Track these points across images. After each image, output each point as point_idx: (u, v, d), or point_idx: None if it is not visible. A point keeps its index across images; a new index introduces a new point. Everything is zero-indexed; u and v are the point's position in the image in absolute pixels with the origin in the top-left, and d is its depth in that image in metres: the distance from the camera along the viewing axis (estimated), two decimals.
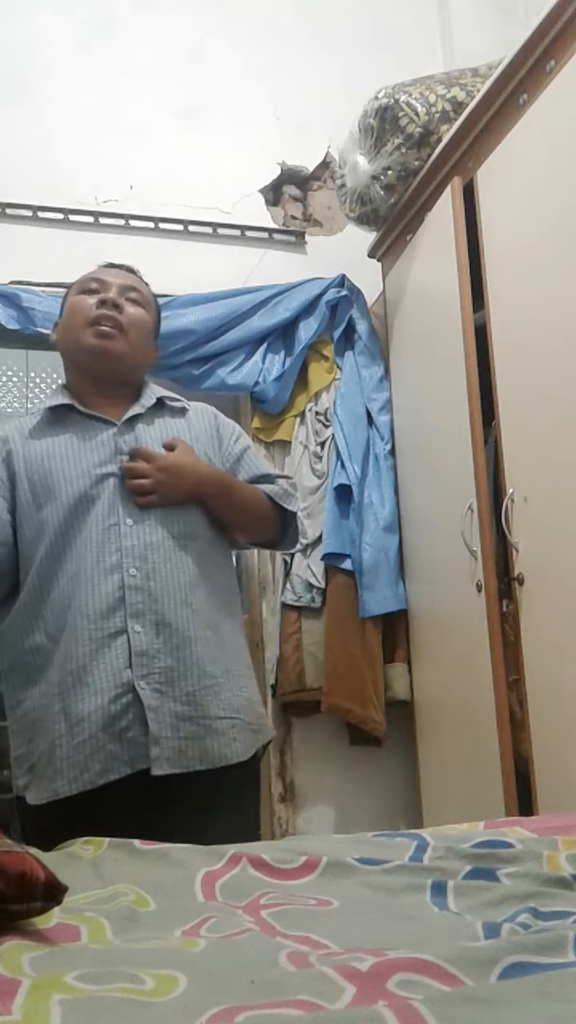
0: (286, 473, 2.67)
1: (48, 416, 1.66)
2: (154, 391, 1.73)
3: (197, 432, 1.70)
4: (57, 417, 1.66)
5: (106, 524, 1.56)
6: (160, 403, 1.71)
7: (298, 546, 2.60)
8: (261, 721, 1.64)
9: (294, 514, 1.76)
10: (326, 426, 2.76)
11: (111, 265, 1.77)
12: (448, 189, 2.31)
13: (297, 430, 2.79)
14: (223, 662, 1.58)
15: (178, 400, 1.76)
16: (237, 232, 2.93)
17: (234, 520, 1.69)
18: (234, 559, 1.81)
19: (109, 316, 1.62)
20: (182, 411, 1.73)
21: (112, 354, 1.63)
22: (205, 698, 1.53)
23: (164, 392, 1.74)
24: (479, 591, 2.10)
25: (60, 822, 1.41)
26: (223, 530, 1.69)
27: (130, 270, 1.76)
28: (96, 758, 1.46)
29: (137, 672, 1.49)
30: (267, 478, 1.74)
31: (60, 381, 1.77)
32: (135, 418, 1.65)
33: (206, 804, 1.49)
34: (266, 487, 1.70)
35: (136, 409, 1.66)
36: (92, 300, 1.64)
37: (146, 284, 1.76)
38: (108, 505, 1.57)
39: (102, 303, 1.62)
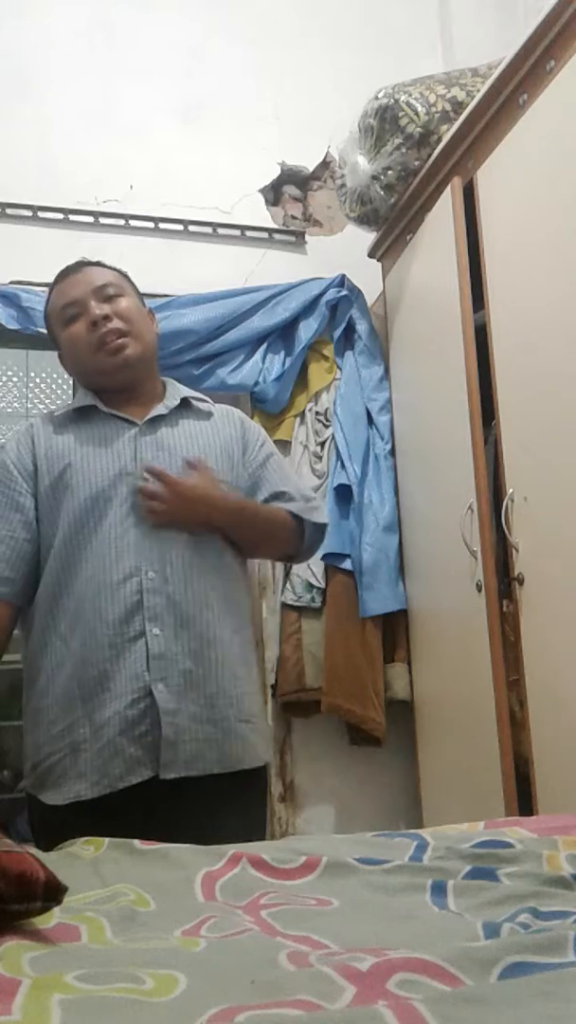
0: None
1: (72, 415, 1.66)
2: (178, 391, 1.71)
3: (223, 436, 1.68)
4: (81, 415, 1.65)
5: (124, 526, 1.54)
6: (185, 403, 1.69)
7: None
8: (268, 733, 1.65)
9: (322, 526, 1.73)
10: (326, 426, 2.76)
11: (64, 274, 1.70)
12: (448, 189, 2.31)
13: (297, 430, 2.79)
14: (243, 667, 1.59)
15: (204, 401, 1.74)
16: (237, 232, 2.93)
17: (248, 545, 1.68)
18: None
19: (109, 331, 1.60)
20: (208, 414, 1.71)
21: (132, 361, 1.62)
22: (225, 701, 1.53)
23: (189, 392, 1.72)
24: (479, 591, 2.10)
25: (77, 823, 1.40)
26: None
27: (85, 264, 1.71)
28: (116, 762, 1.46)
29: (155, 675, 1.49)
30: (285, 495, 1.69)
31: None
32: (158, 419, 1.64)
33: (218, 807, 1.49)
34: (289, 505, 1.67)
35: (160, 410, 1.64)
36: (83, 326, 1.61)
37: (98, 264, 1.71)
38: (128, 505, 1.55)
39: (94, 324, 1.60)
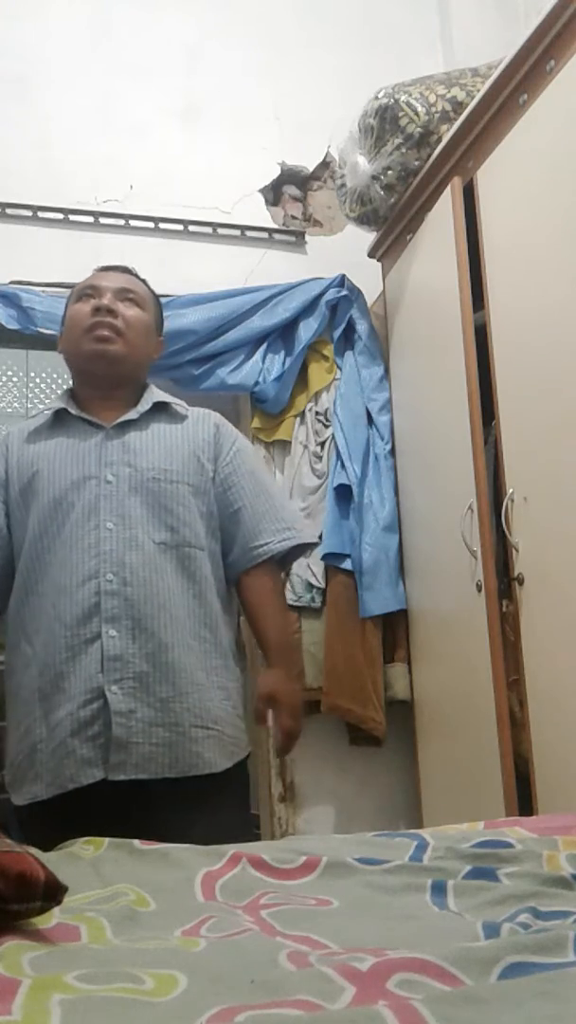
0: (283, 475, 2.69)
1: (48, 420, 1.69)
2: (154, 395, 1.73)
3: (193, 440, 1.69)
4: (55, 421, 1.69)
5: (86, 528, 1.57)
6: (159, 407, 1.71)
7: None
8: (239, 735, 1.63)
9: (306, 545, 1.77)
10: (326, 426, 2.75)
11: (106, 268, 1.78)
12: (448, 189, 2.31)
13: (297, 430, 2.79)
14: (203, 672, 1.58)
15: (180, 405, 1.75)
16: (237, 232, 2.93)
17: None
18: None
19: (105, 322, 1.64)
20: (182, 417, 1.72)
21: (111, 357, 1.65)
22: (180, 705, 1.53)
23: (164, 397, 1.74)
24: (479, 591, 2.10)
25: (40, 823, 1.45)
26: (212, 544, 1.67)
27: (125, 270, 1.77)
28: (68, 763, 1.48)
29: (109, 677, 1.50)
30: (262, 523, 1.68)
31: (66, 386, 1.79)
32: (127, 423, 1.66)
33: (180, 813, 1.48)
34: (269, 547, 1.67)
35: (130, 414, 1.67)
36: (88, 307, 1.66)
37: (143, 281, 1.77)
38: (89, 508, 1.58)
39: (96, 310, 1.64)
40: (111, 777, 1.47)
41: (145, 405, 1.69)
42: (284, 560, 1.76)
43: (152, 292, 1.77)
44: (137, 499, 1.59)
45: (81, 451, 1.62)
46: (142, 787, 1.48)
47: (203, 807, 1.51)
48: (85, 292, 1.69)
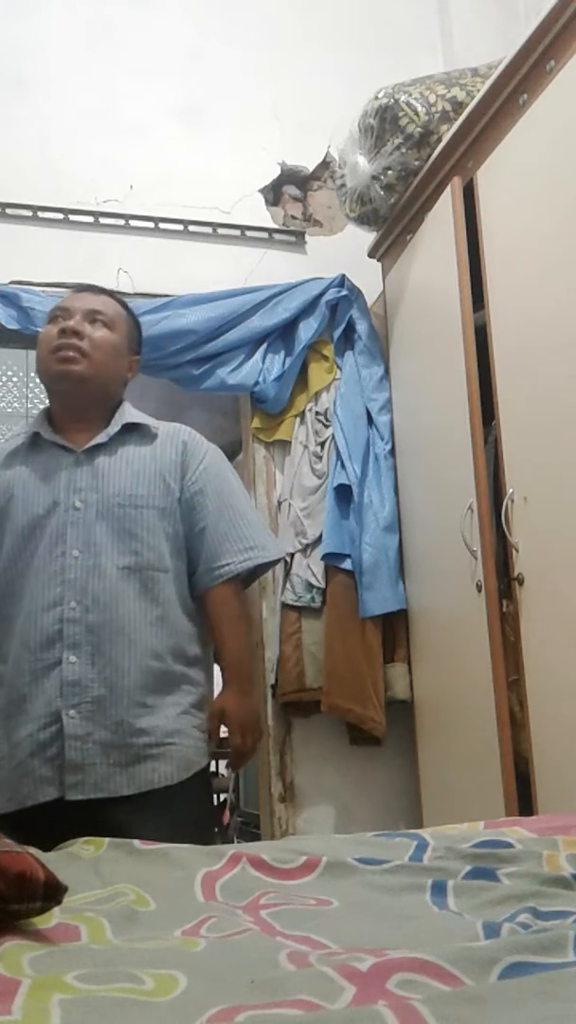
0: (283, 475, 2.71)
1: (24, 443, 1.74)
2: (124, 415, 1.75)
3: (160, 461, 1.72)
4: (31, 444, 1.74)
5: (53, 555, 1.63)
6: (129, 428, 1.74)
7: (298, 545, 2.62)
8: (199, 746, 1.66)
9: (272, 563, 1.83)
10: (326, 426, 2.75)
11: (81, 289, 1.81)
12: (448, 189, 2.31)
13: (297, 430, 2.79)
14: (163, 690, 1.63)
15: (151, 424, 1.77)
16: (237, 232, 2.93)
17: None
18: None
19: (70, 344, 1.67)
20: (150, 438, 1.75)
21: (74, 377, 1.68)
22: (135, 726, 1.58)
23: (135, 418, 1.76)
24: (479, 591, 2.10)
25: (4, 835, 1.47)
26: (177, 565, 1.71)
27: (100, 291, 1.81)
28: (26, 782, 1.56)
29: (66, 701, 1.57)
30: (224, 544, 1.71)
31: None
32: (97, 447, 1.70)
33: (138, 821, 1.47)
34: (230, 567, 1.70)
35: (100, 438, 1.71)
36: (55, 329, 1.70)
37: (117, 301, 1.79)
38: (56, 535, 1.63)
39: (62, 332, 1.68)
40: (68, 797, 1.54)
41: (115, 427, 1.72)
42: (249, 578, 1.82)
43: (128, 312, 1.80)
44: (103, 525, 1.65)
45: (52, 477, 1.67)
46: (100, 803, 1.54)
47: (161, 813, 1.56)
48: (55, 314, 1.73)
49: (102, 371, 1.70)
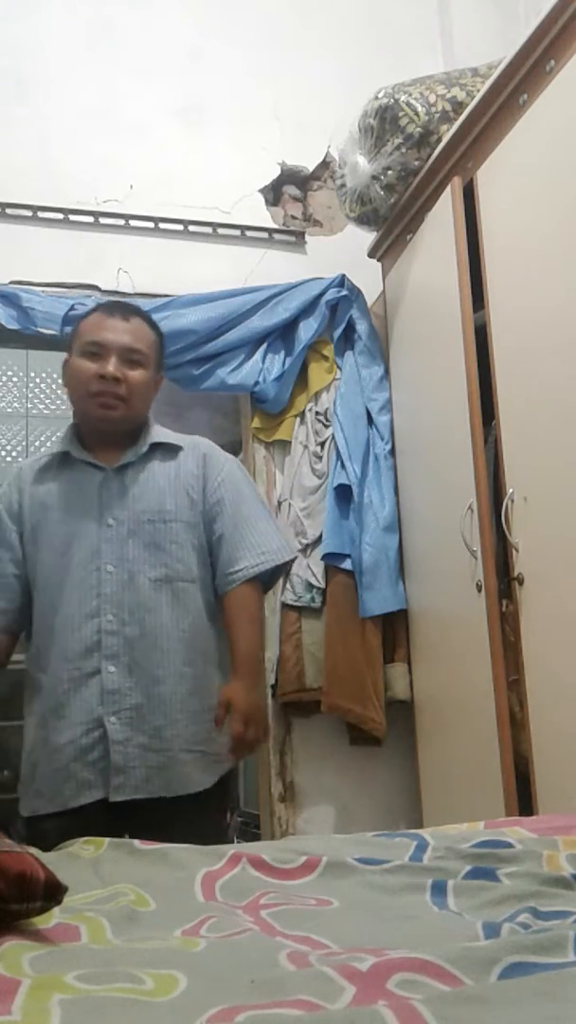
0: (283, 475, 2.73)
1: (54, 460, 1.83)
2: (151, 436, 1.83)
3: (184, 476, 1.81)
4: (59, 461, 1.82)
5: (88, 569, 1.72)
6: (153, 448, 1.82)
7: (298, 545, 2.63)
8: (224, 751, 1.75)
9: (279, 567, 1.87)
10: (326, 426, 2.75)
11: (111, 310, 1.82)
12: (448, 189, 2.31)
13: (297, 430, 2.79)
14: (193, 699, 1.73)
15: (175, 440, 1.85)
16: (237, 232, 2.92)
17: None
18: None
19: (109, 392, 1.74)
20: (174, 453, 1.84)
21: (113, 420, 1.77)
22: (170, 732, 1.69)
23: (160, 437, 1.85)
24: (479, 591, 2.10)
25: (41, 833, 1.58)
26: (204, 574, 1.81)
27: (129, 312, 1.82)
28: (69, 784, 1.65)
29: (107, 708, 1.67)
30: (239, 550, 1.79)
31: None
32: (126, 465, 1.79)
33: (168, 826, 1.58)
34: (244, 572, 1.78)
35: (128, 456, 1.79)
36: (94, 369, 1.74)
37: (145, 320, 1.82)
38: (92, 550, 1.73)
39: (101, 377, 1.73)
40: (112, 798, 1.64)
41: (143, 447, 1.81)
42: (269, 580, 1.89)
43: (156, 331, 1.85)
44: (134, 540, 1.74)
45: (84, 493, 1.77)
46: (135, 805, 1.64)
47: (189, 819, 1.67)
48: (91, 349, 1.76)
49: (138, 410, 1.80)
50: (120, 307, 1.85)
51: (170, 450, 1.83)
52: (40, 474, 1.82)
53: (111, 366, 1.74)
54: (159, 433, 1.85)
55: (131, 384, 1.76)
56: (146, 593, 1.71)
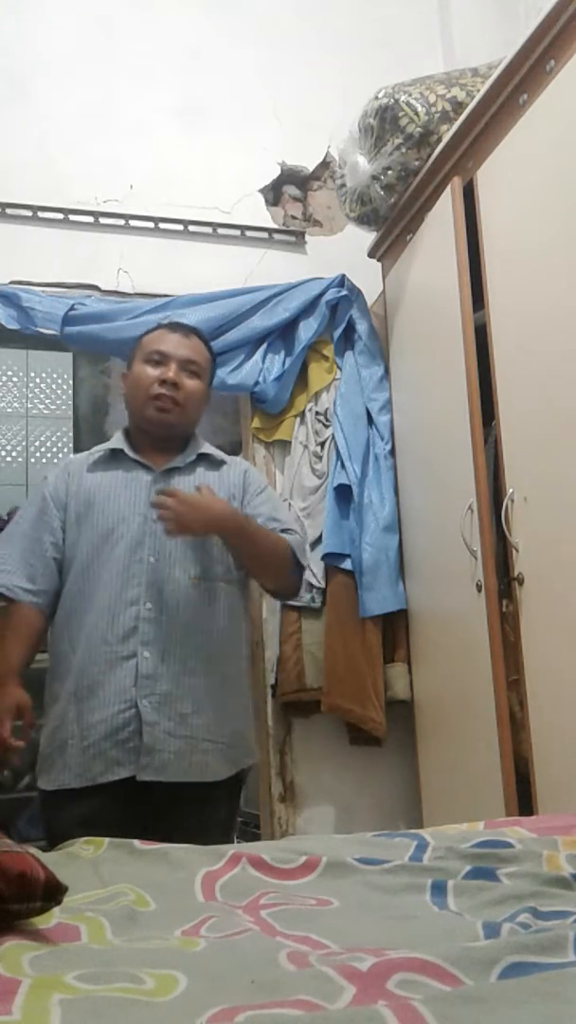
0: (283, 475, 2.75)
1: (105, 455, 1.93)
2: (198, 446, 1.95)
3: (228, 485, 1.93)
4: (111, 457, 1.92)
5: (132, 559, 1.80)
6: (200, 457, 1.94)
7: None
8: (246, 746, 1.88)
9: (303, 568, 1.97)
10: (326, 426, 2.75)
11: (173, 328, 1.96)
12: (448, 189, 2.31)
13: (297, 430, 2.79)
14: (218, 693, 1.81)
15: (219, 454, 1.98)
16: (237, 232, 2.92)
17: (253, 561, 1.88)
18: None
19: (167, 396, 1.85)
20: (218, 466, 1.96)
21: (168, 425, 1.88)
22: (195, 721, 1.76)
23: (206, 449, 1.97)
24: (479, 591, 2.10)
25: (65, 804, 1.71)
26: (242, 576, 1.90)
27: (188, 331, 1.96)
28: (99, 761, 1.71)
29: (141, 691, 1.74)
30: (280, 522, 1.92)
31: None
32: (174, 469, 1.90)
33: (179, 809, 1.72)
34: (286, 536, 1.89)
35: (177, 462, 1.91)
36: (155, 374, 1.86)
37: (201, 340, 1.96)
38: (135, 542, 1.81)
39: (163, 382, 1.85)
40: (140, 777, 1.70)
41: (191, 455, 1.92)
42: (294, 562, 1.92)
43: (210, 351, 1.98)
44: (178, 539, 1.80)
45: (133, 489, 1.86)
46: (156, 786, 1.71)
47: (202, 807, 1.75)
48: (153, 357, 1.88)
49: (191, 418, 1.92)
50: (181, 326, 1.99)
51: (214, 463, 1.95)
52: (91, 467, 1.91)
53: (172, 372, 1.86)
54: (205, 446, 1.97)
55: (188, 392, 1.87)
56: (184, 588, 1.80)
